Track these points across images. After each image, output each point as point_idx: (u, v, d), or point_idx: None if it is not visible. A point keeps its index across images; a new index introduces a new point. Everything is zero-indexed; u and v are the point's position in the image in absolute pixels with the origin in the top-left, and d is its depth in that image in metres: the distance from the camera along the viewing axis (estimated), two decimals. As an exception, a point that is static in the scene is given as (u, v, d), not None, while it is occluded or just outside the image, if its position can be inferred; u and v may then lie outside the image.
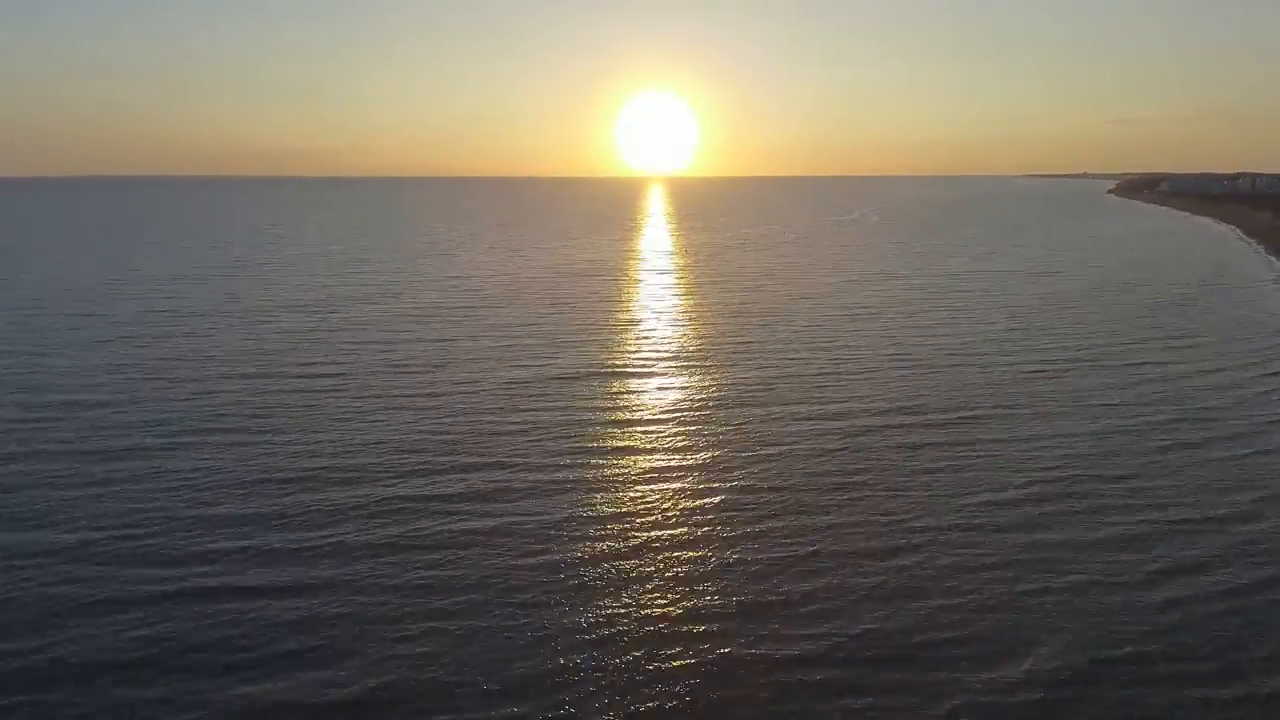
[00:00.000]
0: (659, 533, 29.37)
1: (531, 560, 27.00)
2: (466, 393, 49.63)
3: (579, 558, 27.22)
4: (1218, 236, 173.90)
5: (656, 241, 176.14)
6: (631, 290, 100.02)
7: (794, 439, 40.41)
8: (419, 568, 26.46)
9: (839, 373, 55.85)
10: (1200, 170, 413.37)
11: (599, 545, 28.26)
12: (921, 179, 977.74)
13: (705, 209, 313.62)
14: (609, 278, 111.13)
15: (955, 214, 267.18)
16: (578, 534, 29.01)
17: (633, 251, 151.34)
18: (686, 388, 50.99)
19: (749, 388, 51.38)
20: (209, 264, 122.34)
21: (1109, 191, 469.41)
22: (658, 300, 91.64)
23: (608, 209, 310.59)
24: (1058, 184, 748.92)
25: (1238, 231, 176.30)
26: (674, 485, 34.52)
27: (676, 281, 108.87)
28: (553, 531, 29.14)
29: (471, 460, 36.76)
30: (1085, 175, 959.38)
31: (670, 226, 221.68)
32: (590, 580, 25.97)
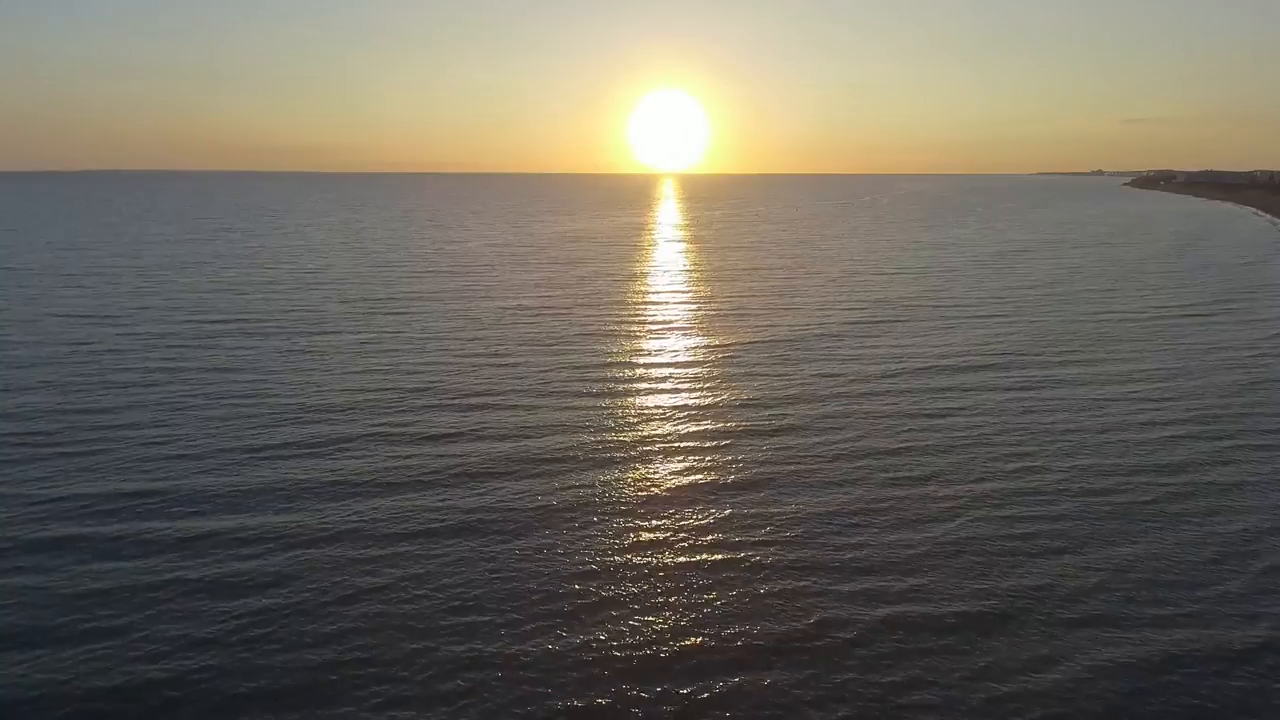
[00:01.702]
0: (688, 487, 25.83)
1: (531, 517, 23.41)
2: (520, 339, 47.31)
3: (591, 512, 23.56)
4: (1239, 214, 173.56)
5: (678, 217, 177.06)
6: (660, 252, 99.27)
7: (840, 385, 37.35)
8: (434, 517, 23.14)
9: (883, 320, 54.69)
10: (1215, 168, 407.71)
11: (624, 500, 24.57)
12: (931, 177, 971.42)
13: (720, 197, 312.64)
14: (639, 244, 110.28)
15: (975, 199, 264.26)
16: (592, 497, 24.83)
17: (657, 223, 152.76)
18: (709, 340, 47.64)
19: (772, 337, 48.90)
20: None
21: (1125, 184, 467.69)
22: (684, 258, 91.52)
23: (629, 196, 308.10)
24: (1071, 180, 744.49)
25: (1257, 211, 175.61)
26: (700, 428, 31.91)
27: (699, 245, 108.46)
28: (559, 494, 25.00)
29: (499, 408, 33.25)
30: (1100, 173, 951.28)
31: (688, 207, 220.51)
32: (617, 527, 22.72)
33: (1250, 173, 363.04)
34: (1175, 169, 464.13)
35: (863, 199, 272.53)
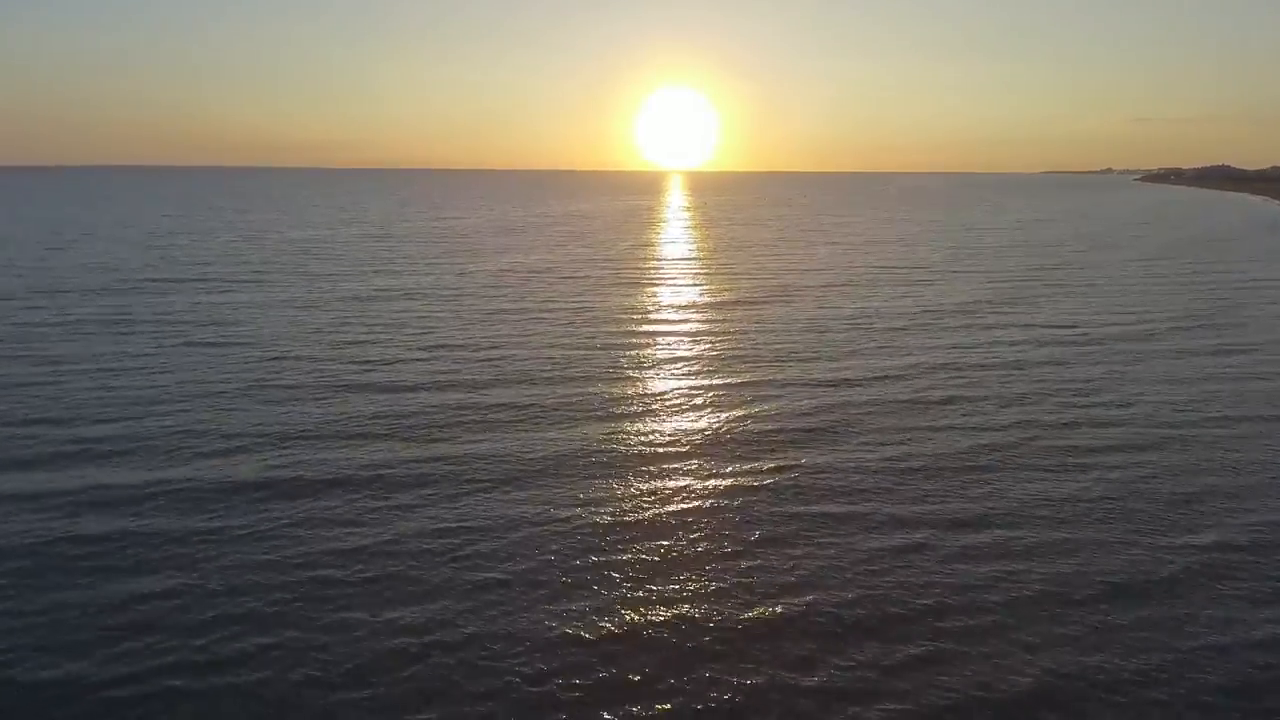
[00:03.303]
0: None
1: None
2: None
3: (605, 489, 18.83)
4: (1254, 202, 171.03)
5: (688, 200, 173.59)
6: (674, 226, 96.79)
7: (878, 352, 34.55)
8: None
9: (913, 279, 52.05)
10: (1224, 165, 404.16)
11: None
12: (931, 175, 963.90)
13: (732, 189, 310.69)
14: (652, 220, 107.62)
15: (988, 194, 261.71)
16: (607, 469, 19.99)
17: (667, 205, 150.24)
18: (728, 310, 43.15)
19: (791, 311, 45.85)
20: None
21: (1136, 180, 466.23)
22: (700, 232, 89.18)
23: (639, 189, 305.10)
24: (1082, 178, 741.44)
25: (1270, 200, 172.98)
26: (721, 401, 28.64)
27: (717, 225, 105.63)
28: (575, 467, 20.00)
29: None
30: (1109, 170, 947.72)
31: (698, 194, 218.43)
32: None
33: (1262, 169, 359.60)
34: (1184, 167, 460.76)
35: (863, 193, 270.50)
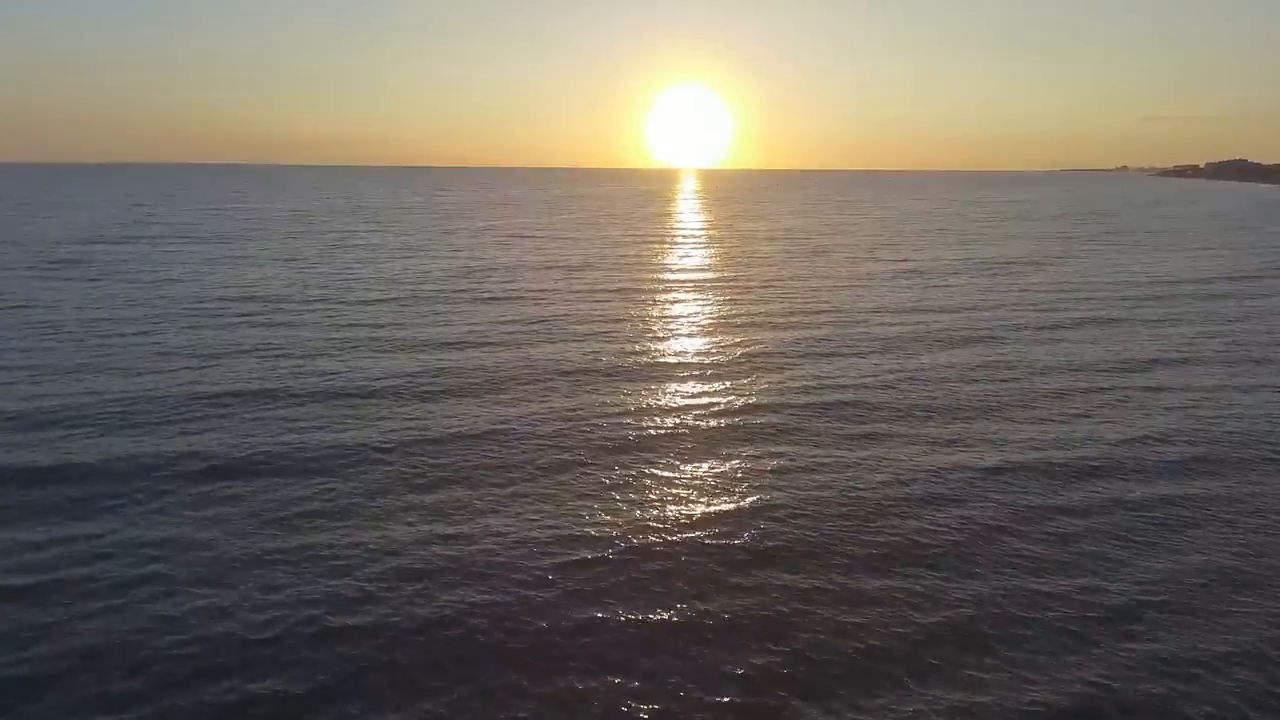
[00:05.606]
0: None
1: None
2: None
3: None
4: (1268, 192, 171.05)
5: (710, 195, 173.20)
6: (700, 220, 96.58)
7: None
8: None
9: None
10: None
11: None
12: (946, 175, 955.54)
13: (744, 184, 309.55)
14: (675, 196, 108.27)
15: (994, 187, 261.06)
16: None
17: (693, 198, 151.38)
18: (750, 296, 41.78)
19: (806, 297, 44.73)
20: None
21: (1152, 176, 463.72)
22: (728, 222, 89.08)
23: (658, 186, 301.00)
24: (1094, 177, 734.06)
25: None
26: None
27: (740, 212, 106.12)
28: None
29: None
30: (1124, 169, 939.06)
31: (712, 186, 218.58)
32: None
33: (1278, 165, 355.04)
34: (1199, 163, 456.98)
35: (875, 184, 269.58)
